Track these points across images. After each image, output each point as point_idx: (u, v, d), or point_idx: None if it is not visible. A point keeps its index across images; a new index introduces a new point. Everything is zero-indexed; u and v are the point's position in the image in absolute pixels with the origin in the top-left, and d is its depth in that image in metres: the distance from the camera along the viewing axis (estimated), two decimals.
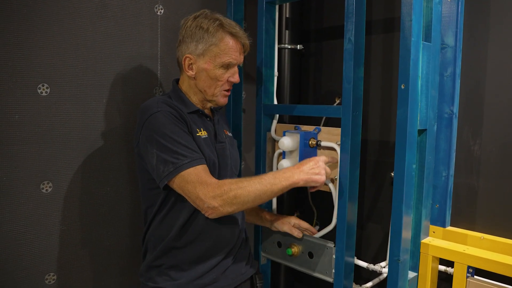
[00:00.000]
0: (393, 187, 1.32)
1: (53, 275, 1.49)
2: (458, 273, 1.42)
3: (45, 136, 1.43)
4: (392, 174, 1.34)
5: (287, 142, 1.55)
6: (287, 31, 1.91)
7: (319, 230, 1.63)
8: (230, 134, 1.57)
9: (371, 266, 1.58)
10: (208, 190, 1.22)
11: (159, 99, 1.35)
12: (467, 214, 1.53)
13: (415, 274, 1.47)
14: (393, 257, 1.34)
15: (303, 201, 2.05)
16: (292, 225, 1.62)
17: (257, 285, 1.53)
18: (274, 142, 1.78)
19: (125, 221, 1.65)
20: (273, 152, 1.78)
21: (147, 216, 1.42)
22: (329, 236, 1.57)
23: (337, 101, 1.81)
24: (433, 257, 1.47)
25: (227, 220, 1.40)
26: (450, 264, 1.47)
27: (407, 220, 1.35)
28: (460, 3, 1.47)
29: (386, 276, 1.41)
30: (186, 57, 1.39)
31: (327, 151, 1.57)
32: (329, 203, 1.58)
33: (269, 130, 1.77)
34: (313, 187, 1.42)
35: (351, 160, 1.42)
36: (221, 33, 1.37)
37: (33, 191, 1.42)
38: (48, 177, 1.44)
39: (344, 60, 1.41)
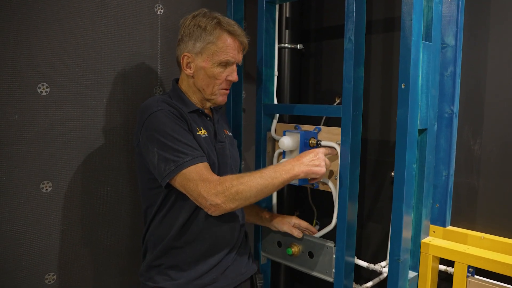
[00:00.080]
0: (393, 187, 1.32)
1: (53, 275, 1.48)
2: (458, 273, 1.42)
3: (45, 136, 1.42)
4: (393, 173, 1.34)
5: (287, 141, 1.55)
6: (287, 31, 1.91)
7: (319, 230, 1.63)
8: (230, 134, 1.57)
9: (371, 266, 1.58)
10: (210, 187, 1.22)
11: (159, 98, 1.35)
12: (467, 214, 1.53)
13: (415, 273, 1.47)
14: (393, 256, 1.34)
15: (303, 200, 2.04)
16: (292, 225, 1.62)
17: (257, 285, 1.53)
18: (274, 141, 1.78)
19: (125, 221, 1.65)
20: (273, 151, 1.78)
21: (147, 215, 1.41)
22: (329, 236, 1.57)
23: (337, 101, 1.81)
24: (434, 256, 1.47)
25: (227, 219, 1.40)
26: (450, 263, 1.47)
27: (407, 220, 1.35)
28: (460, 2, 1.46)
29: (386, 276, 1.41)
30: (184, 55, 1.39)
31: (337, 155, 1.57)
32: (329, 202, 1.57)
33: (269, 129, 1.77)
34: (313, 178, 1.42)
35: (352, 160, 1.42)
36: (219, 31, 1.37)
37: (33, 191, 1.42)
38: (48, 176, 1.44)
39: (345, 60, 1.41)
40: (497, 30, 1.45)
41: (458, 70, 1.49)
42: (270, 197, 1.81)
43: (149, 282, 1.38)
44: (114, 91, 1.57)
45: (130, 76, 1.61)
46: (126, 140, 1.61)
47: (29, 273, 1.43)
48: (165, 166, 1.25)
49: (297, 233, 1.60)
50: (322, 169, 1.35)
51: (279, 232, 1.68)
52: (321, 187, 1.60)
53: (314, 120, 1.88)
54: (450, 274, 1.47)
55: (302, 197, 2.05)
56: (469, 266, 1.40)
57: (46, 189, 1.45)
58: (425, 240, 1.50)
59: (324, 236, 1.59)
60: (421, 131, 1.43)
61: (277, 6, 1.75)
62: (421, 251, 1.49)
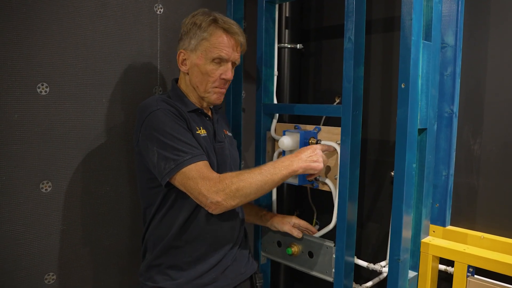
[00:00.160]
0: (393, 186, 1.32)
1: (53, 275, 1.48)
2: (458, 273, 1.42)
3: (44, 136, 1.42)
4: (392, 173, 1.34)
5: (287, 141, 1.55)
6: (287, 30, 1.91)
7: (319, 230, 1.63)
8: (230, 134, 1.57)
9: (371, 266, 1.58)
10: (210, 185, 1.22)
11: (158, 98, 1.35)
12: (467, 214, 1.53)
13: (415, 273, 1.47)
14: (393, 256, 1.34)
15: (303, 200, 2.04)
16: (292, 225, 1.62)
17: (257, 284, 1.53)
18: (274, 141, 1.78)
19: (124, 220, 1.65)
20: (273, 151, 1.78)
21: (146, 215, 1.41)
22: (329, 236, 1.57)
23: (337, 100, 1.81)
24: (433, 256, 1.47)
25: (227, 219, 1.40)
26: (450, 263, 1.47)
27: (407, 220, 1.35)
28: (460, 2, 1.46)
29: (386, 276, 1.41)
30: (180, 52, 1.41)
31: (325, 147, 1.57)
32: (329, 202, 1.57)
33: (269, 129, 1.77)
34: (311, 174, 1.42)
35: (351, 160, 1.42)
36: (213, 28, 1.37)
37: (33, 191, 1.42)
38: (47, 176, 1.44)
39: (344, 59, 1.41)
40: (497, 29, 1.45)
41: (458, 69, 1.49)
42: (270, 194, 1.81)
43: (149, 282, 1.38)
44: (114, 91, 1.57)
45: (129, 76, 1.61)
46: (126, 140, 1.61)
47: (29, 273, 1.43)
48: (165, 165, 1.25)
49: (296, 233, 1.60)
50: (320, 165, 1.36)
51: (278, 232, 1.68)
52: (321, 187, 1.60)
53: (314, 120, 1.88)
54: (450, 273, 1.47)
55: (302, 197, 2.05)
56: (469, 266, 1.40)
57: (46, 189, 1.44)
58: (425, 239, 1.50)
59: (324, 236, 1.59)
60: (421, 131, 1.43)
61: (277, 6, 1.75)
62: (421, 250, 1.49)
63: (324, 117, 1.84)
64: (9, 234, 1.38)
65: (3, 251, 1.37)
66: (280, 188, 1.97)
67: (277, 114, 1.78)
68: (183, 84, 1.45)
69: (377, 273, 1.60)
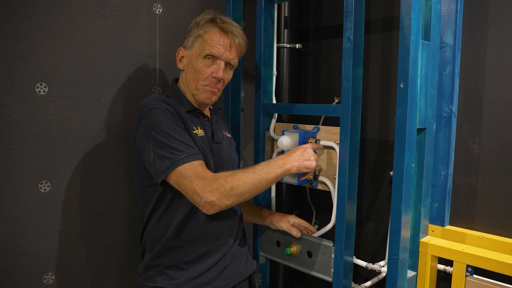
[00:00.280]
0: (392, 186, 1.32)
1: (52, 275, 1.48)
2: (457, 272, 1.42)
3: (43, 135, 1.42)
4: (391, 173, 1.34)
5: (286, 141, 1.55)
6: (286, 30, 1.91)
7: (318, 229, 1.63)
8: (229, 135, 1.56)
9: (370, 265, 1.58)
10: (205, 184, 1.22)
11: (156, 97, 1.35)
12: (466, 213, 1.53)
13: (414, 273, 1.47)
14: (392, 256, 1.34)
15: (302, 200, 2.04)
16: (291, 224, 1.62)
17: (256, 284, 1.53)
18: (273, 141, 1.77)
19: (123, 220, 1.65)
20: (272, 151, 1.78)
21: (143, 214, 1.41)
22: (328, 235, 1.57)
23: (336, 100, 1.81)
24: (432, 256, 1.47)
25: (226, 219, 1.40)
26: (449, 263, 1.47)
27: (406, 219, 1.35)
28: (459, 2, 1.46)
29: (385, 275, 1.41)
30: (179, 49, 1.43)
31: (324, 150, 1.57)
32: (328, 202, 1.57)
33: (268, 129, 1.77)
34: (304, 174, 1.44)
35: (350, 159, 1.42)
36: (209, 25, 1.39)
37: (31, 191, 1.41)
38: (46, 176, 1.44)
39: (343, 59, 1.40)
40: (496, 29, 1.45)
41: (457, 69, 1.49)
42: (269, 191, 1.81)
43: (147, 282, 1.38)
44: (113, 91, 1.57)
45: (128, 76, 1.60)
46: (125, 140, 1.61)
47: (28, 273, 1.43)
48: (160, 163, 1.25)
49: (295, 232, 1.60)
50: (313, 163, 1.38)
51: (278, 231, 1.68)
52: (320, 187, 1.60)
53: (313, 120, 1.88)
54: (449, 273, 1.47)
55: (301, 197, 2.05)
56: (467, 266, 1.40)
57: (45, 189, 1.44)
58: (424, 239, 1.50)
59: (323, 236, 1.59)
60: (420, 131, 1.43)
61: (276, 6, 1.75)
62: (420, 250, 1.49)
63: (323, 117, 1.84)
64: (8, 234, 1.38)
65: (2, 251, 1.37)
66: (279, 188, 1.97)
67: (276, 114, 1.78)
68: (182, 83, 1.45)
69: (376, 272, 1.60)
